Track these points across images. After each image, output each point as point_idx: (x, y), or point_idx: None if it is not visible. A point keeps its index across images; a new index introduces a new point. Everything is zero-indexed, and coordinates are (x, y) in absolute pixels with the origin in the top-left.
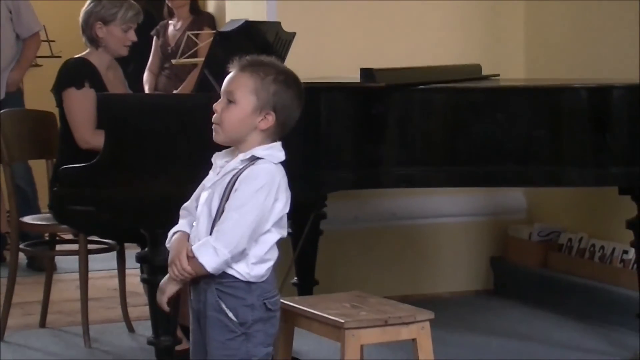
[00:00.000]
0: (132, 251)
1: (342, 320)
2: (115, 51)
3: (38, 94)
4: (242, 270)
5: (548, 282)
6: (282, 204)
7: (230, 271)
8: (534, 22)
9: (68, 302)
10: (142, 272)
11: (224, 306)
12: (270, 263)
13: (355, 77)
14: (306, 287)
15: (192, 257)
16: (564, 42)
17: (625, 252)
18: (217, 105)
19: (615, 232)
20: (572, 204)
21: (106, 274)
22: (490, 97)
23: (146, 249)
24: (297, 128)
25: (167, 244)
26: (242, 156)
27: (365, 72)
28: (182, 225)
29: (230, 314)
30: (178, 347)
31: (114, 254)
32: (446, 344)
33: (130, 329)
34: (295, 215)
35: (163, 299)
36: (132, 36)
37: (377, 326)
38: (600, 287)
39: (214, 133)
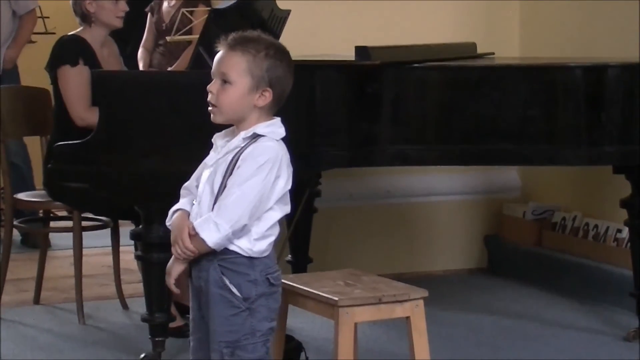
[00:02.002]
0: (126, 228)
1: (336, 298)
2: (109, 24)
3: (33, 71)
4: (245, 246)
5: (542, 261)
6: (284, 181)
7: (232, 247)
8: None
9: (62, 279)
10: (136, 249)
11: (227, 282)
12: (272, 238)
13: (350, 55)
14: (300, 265)
15: (193, 235)
16: (559, 20)
17: (619, 230)
18: (212, 87)
19: (609, 210)
20: (567, 183)
21: (100, 250)
22: (485, 75)
23: (140, 226)
24: (292, 106)
25: (168, 223)
26: (244, 134)
27: (360, 50)
28: (182, 203)
29: (234, 290)
30: (172, 324)
31: (108, 231)
32: (440, 322)
33: (125, 306)
34: (290, 193)
35: (170, 281)
36: (124, 6)
37: (371, 304)
38: (594, 265)
39: (211, 115)
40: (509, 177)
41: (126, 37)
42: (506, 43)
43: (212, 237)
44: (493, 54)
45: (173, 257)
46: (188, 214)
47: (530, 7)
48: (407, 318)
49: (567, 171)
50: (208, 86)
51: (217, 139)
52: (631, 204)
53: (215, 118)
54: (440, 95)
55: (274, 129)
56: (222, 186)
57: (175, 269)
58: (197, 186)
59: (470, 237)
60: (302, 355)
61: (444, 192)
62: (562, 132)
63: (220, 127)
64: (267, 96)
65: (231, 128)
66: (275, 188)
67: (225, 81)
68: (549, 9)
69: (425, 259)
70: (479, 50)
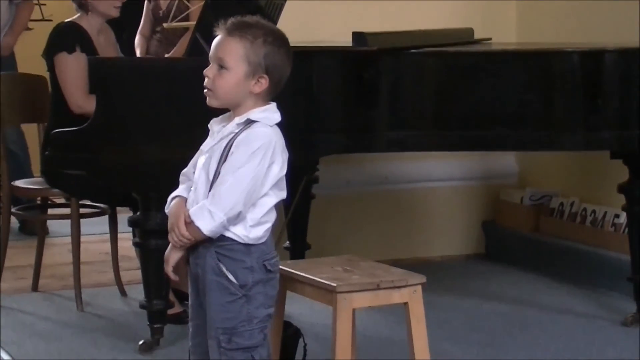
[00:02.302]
0: (124, 215)
1: (334, 284)
2: (105, 13)
3: (30, 58)
4: (240, 232)
5: (539, 246)
6: (278, 166)
7: (228, 234)
8: None
9: (60, 266)
10: (134, 236)
11: (224, 269)
12: (268, 225)
13: (347, 42)
14: (298, 251)
15: (189, 222)
16: (556, 5)
17: (617, 216)
18: (209, 71)
19: (607, 196)
20: (564, 169)
21: (98, 238)
22: (482, 61)
23: (138, 213)
24: (289, 92)
25: (166, 209)
26: (238, 120)
27: (358, 36)
28: (180, 190)
29: (231, 277)
30: (170, 311)
31: (106, 218)
32: (438, 308)
33: (123, 293)
34: (287, 179)
35: (169, 269)
36: None
37: (369, 290)
38: (591, 251)
39: (207, 98)
40: (506, 163)
41: (122, 23)
42: (503, 28)
43: (206, 225)
44: (490, 39)
45: (170, 244)
46: (185, 200)
47: None
48: (405, 304)
49: (564, 157)
50: (205, 70)
51: (214, 125)
52: (629, 189)
53: (211, 102)
54: (437, 81)
55: (268, 114)
56: (217, 173)
57: (173, 256)
58: (194, 172)
59: (467, 223)
60: (301, 342)
61: (442, 178)
62: (559, 118)
63: (217, 113)
64: (264, 83)
65: (228, 113)
66: (270, 174)
67: (222, 66)
68: None
69: (423, 245)
70: (476, 36)
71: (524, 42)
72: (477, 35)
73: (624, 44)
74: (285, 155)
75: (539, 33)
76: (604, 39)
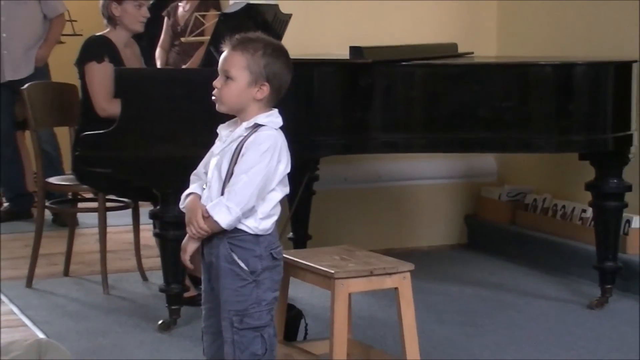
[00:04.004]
0: (145, 209)
1: (332, 271)
2: (131, 27)
3: (62, 68)
4: (252, 225)
5: (516, 238)
6: (284, 165)
7: (241, 226)
8: (507, 4)
9: (88, 254)
10: (154, 227)
11: (236, 257)
12: (275, 217)
13: (344, 54)
14: (300, 241)
15: (207, 217)
16: (534, 20)
17: (584, 211)
18: (217, 82)
19: (576, 193)
20: (538, 168)
21: (122, 228)
22: (465, 71)
23: (158, 207)
24: (294, 99)
25: (182, 206)
26: (245, 124)
27: (354, 50)
28: (193, 188)
29: (242, 264)
30: (186, 294)
31: (129, 211)
32: (425, 292)
33: (144, 278)
34: (291, 177)
35: (186, 257)
36: (145, 12)
37: (363, 276)
38: (562, 242)
39: (216, 104)
40: (487, 163)
41: (141, 34)
42: (484, 43)
43: (224, 219)
44: (472, 53)
45: (187, 235)
46: (199, 197)
47: (507, 9)
48: (396, 289)
49: (538, 157)
50: (214, 82)
51: (222, 130)
52: (595, 187)
53: (220, 108)
54: (425, 89)
55: (273, 118)
56: (229, 172)
57: (190, 246)
58: (205, 172)
59: (451, 216)
60: (303, 322)
61: (429, 176)
62: (535, 123)
63: (225, 118)
64: (265, 90)
65: (234, 119)
66: (277, 171)
67: (227, 77)
68: (525, 11)
69: (411, 235)
70: (460, 50)
71: (503, 55)
72: (460, 50)
73: (593, 58)
74: (289, 154)
75: (517, 47)
76: (577, 51)
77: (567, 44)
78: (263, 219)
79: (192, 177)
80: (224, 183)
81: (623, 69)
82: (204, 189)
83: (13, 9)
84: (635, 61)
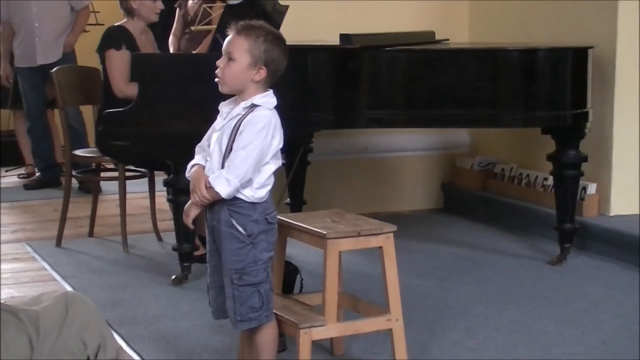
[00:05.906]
0: (160, 177)
1: (325, 232)
2: (147, 18)
3: (86, 54)
4: (248, 194)
5: (486, 202)
6: (277, 141)
7: (239, 195)
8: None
9: (110, 217)
10: (168, 193)
11: (234, 222)
12: (269, 187)
13: (334, 41)
14: (296, 206)
15: (209, 187)
16: (502, 10)
17: (546, 179)
18: (220, 62)
19: (538, 163)
20: (506, 141)
21: (140, 195)
22: (442, 56)
23: (171, 176)
24: (291, 80)
25: (187, 175)
26: (243, 104)
27: (344, 37)
28: (198, 159)
29: (240, 228)
30: (196, 253)
31: (146, 179)
32: (407, 251)
33: (159, 239)
34: (288, 149)
35: (188, 220)
36: (160, 5)
37: (352, 237)
38: (526, 206)
39: (219, 85)
40: (461, 136)
41: (154, 23)
42: (458, 32)
43: (224, 189)
44: (448, 39)
45: (190, 201)
46: (203, 167)
47: (478, 4)
48: (380, 247)
49: (506, 131)
50: (217, 62)
51: (223, 107)
52: (555, 158)
53: (222, 88)
54: (406, 71)
55: (268, 99)
56: (229, 147)
57: (192, 211)
58: (208, 145)
59: (430, 183)
60: (298, 277)
61: (410, 149)
62: (503, 101)
63: (228, 98)
64: (262, 73)
65: (234, 97)
66: (271, 147)
67: (230, 58)
68: (494, 5)
69: (394, 201)
70: (437, 37)
71: (475, 41)
72: (437, 37)
73: (555, 43)
74: (282, 131)
75: (486, 36)
76: (541, 38)
77: (532, 32)
78: (258, 189)
79: (196, 149)
80: (224, 156)
81: (580, 54)
82: (207, 160)
83: (44, 1)
84: (591, 47)
